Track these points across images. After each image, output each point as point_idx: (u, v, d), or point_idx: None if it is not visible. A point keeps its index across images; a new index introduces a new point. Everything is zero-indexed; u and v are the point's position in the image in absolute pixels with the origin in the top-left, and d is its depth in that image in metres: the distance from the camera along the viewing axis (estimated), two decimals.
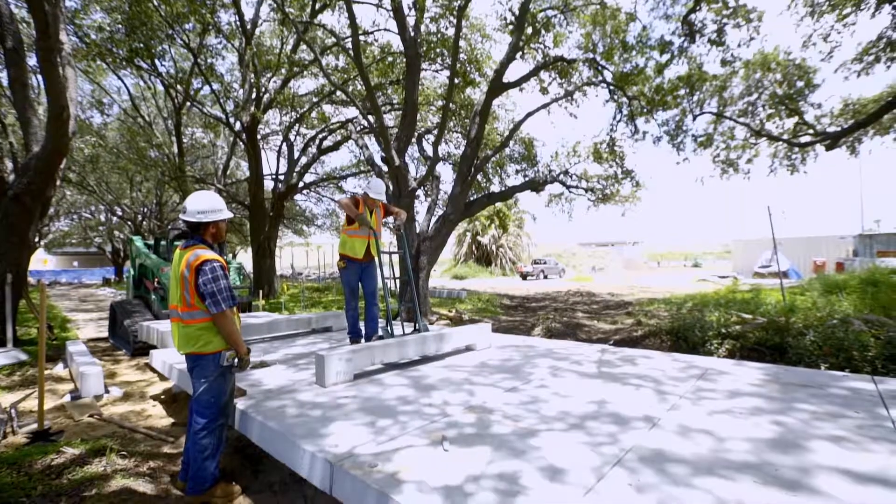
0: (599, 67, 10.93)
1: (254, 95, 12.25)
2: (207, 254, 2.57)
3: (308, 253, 39.90)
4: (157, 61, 11.17)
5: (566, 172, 12.94)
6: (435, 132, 11.22)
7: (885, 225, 23.31)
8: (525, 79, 10.00)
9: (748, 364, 3.77)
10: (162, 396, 4.85)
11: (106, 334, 8.45)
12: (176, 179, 14.18)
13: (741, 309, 6.75)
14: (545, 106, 11.01)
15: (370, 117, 8.50)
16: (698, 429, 2.34)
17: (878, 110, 8.53)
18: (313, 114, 13.52)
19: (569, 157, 13.54)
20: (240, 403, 2.93)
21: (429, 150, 11.32)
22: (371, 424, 2.52)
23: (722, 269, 30.75)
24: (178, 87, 11.79)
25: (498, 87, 9.11)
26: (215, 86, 11.52)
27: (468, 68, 11.01)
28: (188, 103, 13.53)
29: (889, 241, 17.08)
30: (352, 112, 14.33)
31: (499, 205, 29.16)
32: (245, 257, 25.14)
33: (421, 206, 11.54)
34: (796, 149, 11.55)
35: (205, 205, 2.66)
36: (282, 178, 14.98)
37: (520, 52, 10.05)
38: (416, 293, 4.55)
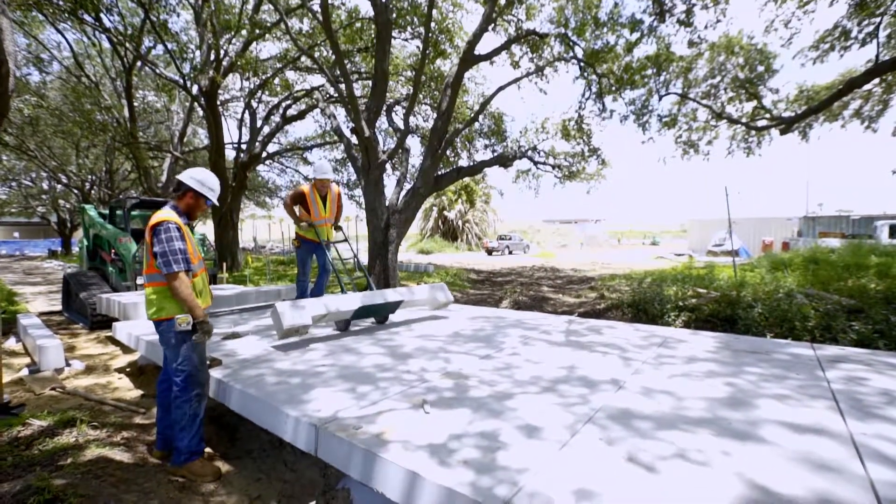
0: (571, 43, 10.94)
1: (212, 58, 11.51)
2: (166, 215, 2.51)
3: (270, 226, 38.81)
4: (102, 15, 10.23)
5: (534, 149, 13.07)
6: (404, 104, 10.98)
7: (827, 208, 25.11)
8: (497, 51, 9.88)
9: (703, 333, 4.05)
10: (127, 369, 4.70)
11: (59, 308, 8.00)
12: (128, 146, 13.27)
13: (696, 284, 7.16)
14: (517, 80, 10.97)
15: (341, 86, 8.19)
16: (660, 390, 2.53)
17: (830, 98, 9.02)
18: (276, 80, 12.86)
19: (537, 133, 13.67)
20: (216, 373, 2.90)
21: (398, 123, 11.08)
22: (352, 390, 2.57)
23: (678, 248, 32.25)
24: (128, 44, 10.87)
25: (470, 58, 8.97)
26: (170, 45, 10.69)
27: (439, 38, 10.75)
28: (139, 63, 12.55)
29: (830, 222, 18.49)
30: (317, 80, 13.74)
31: (466, 179, 29.19)
32: (205, 229, 24.11)
33: (388, 180, 11.39)
34: (753, 132, 12.09)
35: (201, 175, 2.70)
36: (244, 147, 14.33)
37: (492, 24, 9.88)
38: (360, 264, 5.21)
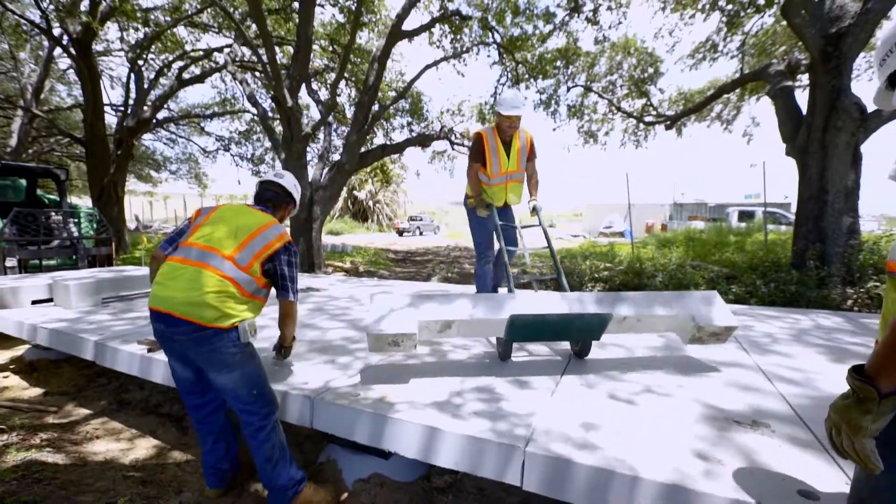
0: (491, 28, 11.28)
1: None
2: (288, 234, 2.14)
3: (153, 203, 34.26)
4: None
5: (451, 130, 13.35)
6: (328, 75, 10.42)
7: (688, 196, 29.59)
8: (425, 28, 9.83)
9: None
10: (11, 366, 3.96)
11: None
12: None
13: (602, 260, 8.07)
14: (443, 60, 11.05)
15: (260, 50, 7.48)
16: (611, 343, 2.90)
17: (704, 101, 10.61)
18: (175, 34, 11.26)
19: (453, 115, 13.96)
20: (162, 356, 2.62)
21: (320, 95, 10.50)
22: (331, 362, 2.53)
23: (574, 230, 35.50)
24: None
25: (398, 33, 8.81)
26: None
27: (360, 10, 10.32)
28: None
29: (694, 208, 21.99)
30: (216, 40, 12.34)
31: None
32: (83, 205, 20.41)
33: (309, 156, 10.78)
34: (642, 126, 13.71)
35: (295, 182, 2.32)
36: (125, 110, 12.32)
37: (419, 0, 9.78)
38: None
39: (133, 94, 11.98)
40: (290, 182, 2.24)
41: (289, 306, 2.08)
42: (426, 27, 9.93)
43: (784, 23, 6.76)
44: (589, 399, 2.01)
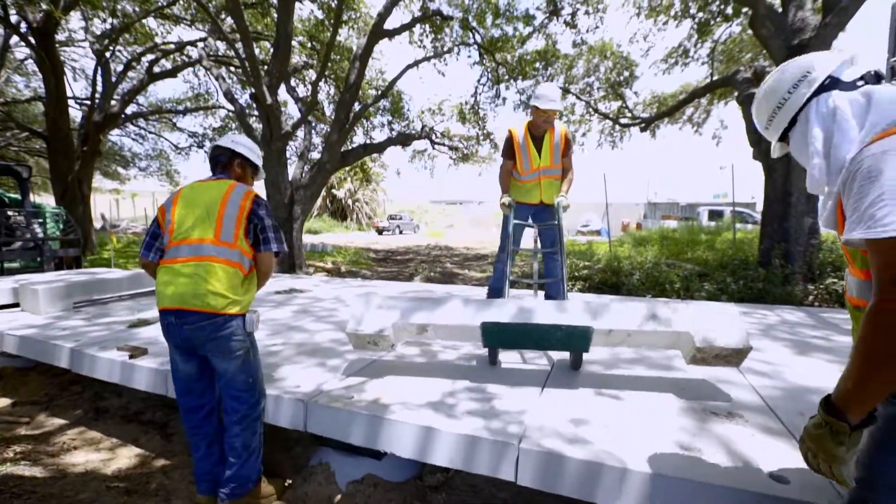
0: (472, 29, 11.36)
1: None
2: (252, 189, 2.06)
3: (119, 202, 32.98)
4: None
5: (431, 129, 13.38)
6: (306, 72, 10.28)
7: (661, 196, 30.54)
8: (406, 27, 9.81)
9: (606, 297, 4.80)
10: None
11: None
12: None
13: (581, 258, 8.25)
14: (425, 60, 11.04)
15: (237, 45, 7.31)
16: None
17: (676, 104, 10.98)
18: (146, 25, 10.87)
19: (433, 114, 14.00)
20: (145, 362, 2.58)
21: (299, 93, 10.34)
22: (322, 365, 2.54)
23: None
24: None
25: (380, 32, 8.75)
26: None
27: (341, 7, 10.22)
28: None
29: (667, 208, 22.68)
30: (189, 33, 11.99)
31: None
32: (43, 202, 19.40)
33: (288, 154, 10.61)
34: (618, 127, 14.05)
35: (247, 141, 2.18)
36: (88, 103, 11.80)
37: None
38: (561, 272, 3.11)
39: (100, 88, 11.51)
40: (227, 140, 2.15)
41: (270, 259, 2.01)
42: (407, 26, 9.91)
43: (750, 31, 7.07)
44: (576, 395, 2.09)
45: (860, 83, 1.00)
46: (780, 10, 5.95)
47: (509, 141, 3.41)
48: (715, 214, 16.08)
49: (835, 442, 0.89)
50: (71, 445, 2.67)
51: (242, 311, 1.91)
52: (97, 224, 24.04)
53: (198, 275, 1.83)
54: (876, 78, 1.01)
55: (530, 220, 3.58)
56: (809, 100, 1.04)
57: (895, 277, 0.81)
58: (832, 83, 1.02)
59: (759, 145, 5.87)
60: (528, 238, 3.82)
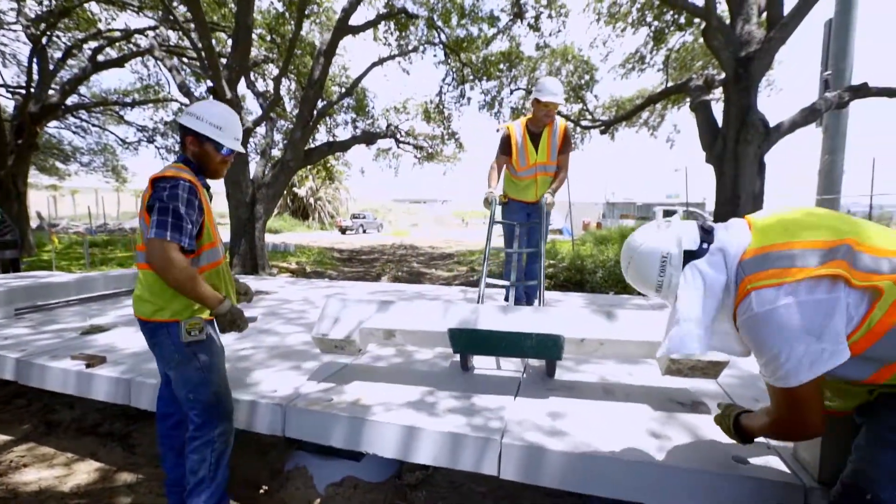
0: (437, 28, 11.38)
1: None
2: (172, 171, 1.66)
3: (56, 199, 30.69)
4: None
5: (397, 128, 13.32)
6: (266, 66, 9.94)
7: (617, 196, 31.83)
8: (371, 24, 9.70)
9: (572, 294, 4.96)
10: None
11: None
12: None
13: (546, 257, 8.48)
14: (390, 58, 10.96)
15: (193, 35, 6.96)
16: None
17: (634, 108, 11.46)
18: (87, 10, 10.14)
19: (398, 113, 13.93)
20: (105, 371, 2.44)
21: (259, 87, 10.01)
22: (297, 368, 2.49)
23: None
24: None
25: (345, 27, 8.61)
26: None
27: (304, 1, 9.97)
28: None
29: (625, 208, 23.70)
30: (136, 20, 11.31)
31: None
32: None
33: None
34: (579, 129, 14.50)
35: (198, 108, 1.76)
36: (23, 93, 10.87)
37: None
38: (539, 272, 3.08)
39: (36, 76, 10.65)
40: (183, 114, 1.78)
41: (155, 249, 1.54)
42: (373, 23, 9.80)
43: (702, 41, 7.49)
44: (551, 391, 2.17)
45: (705, 246, 1.17)
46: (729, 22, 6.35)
47: (506, 138, 3.35)
48: (668, 213, 16.97)
49: (731, 436, 1.45)
50: (20, 463, 2.49)
51: (175, 318, 1.70)
52: (33, 223, 22.25)
53: (138, 281, 1.81)
54: (705, 232, 1.20)
55: (528, 218, 3.49)
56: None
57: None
58: (688, 255, 1.19)
59: (710, 150, 6.24)
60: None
